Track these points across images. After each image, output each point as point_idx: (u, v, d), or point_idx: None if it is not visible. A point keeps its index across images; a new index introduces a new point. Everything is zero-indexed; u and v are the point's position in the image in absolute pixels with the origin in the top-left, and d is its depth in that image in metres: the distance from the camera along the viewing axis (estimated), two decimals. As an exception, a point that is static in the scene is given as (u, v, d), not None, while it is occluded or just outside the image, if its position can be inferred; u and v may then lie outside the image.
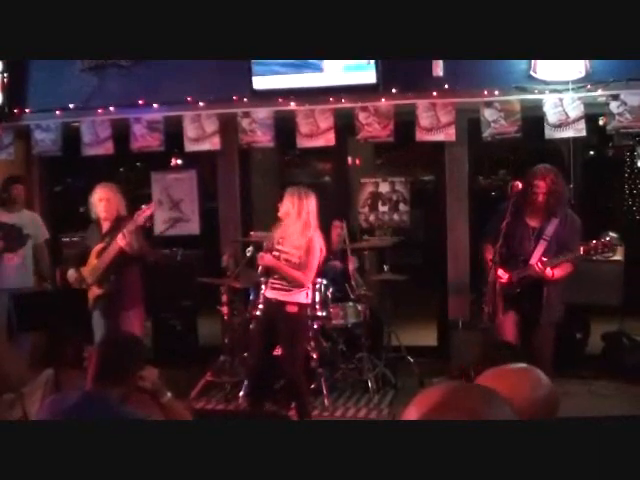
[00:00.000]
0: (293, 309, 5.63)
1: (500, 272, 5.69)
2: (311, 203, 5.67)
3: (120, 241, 5.98)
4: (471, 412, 1.49)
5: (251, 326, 6.69)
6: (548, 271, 5.51)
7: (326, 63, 7.21)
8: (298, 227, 5.61)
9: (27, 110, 8.06)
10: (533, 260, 5.59)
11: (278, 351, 6.03)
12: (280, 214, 5.73)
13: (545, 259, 5.55)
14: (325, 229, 6.46)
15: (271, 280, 5.76)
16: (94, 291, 6.27)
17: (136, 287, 6.43)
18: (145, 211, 6.08)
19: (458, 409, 1.51)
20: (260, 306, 6.27)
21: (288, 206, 5.66)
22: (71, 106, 7.88)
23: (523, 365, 1.95)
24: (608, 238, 5.75)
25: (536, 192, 5.61)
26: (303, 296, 5.72)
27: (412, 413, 1.52)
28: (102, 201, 6.33)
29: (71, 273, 6.38)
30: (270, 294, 5.75)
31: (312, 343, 6.69)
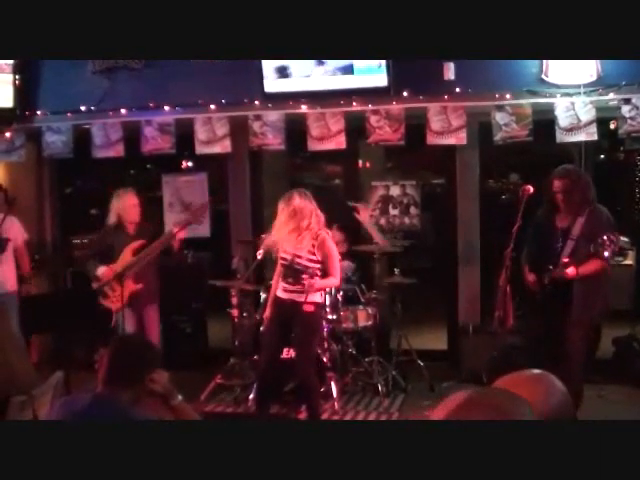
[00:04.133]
0: (310, 309, 5.63)
1: (529, 275, 5.72)
2: (295, 203, 5.58)
3: (177, 233, 6.35)
4: (496, 409, 1.55)
5: (261, 328, 6.69)
6: (570, 270, 5.45)
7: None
8: (293, 234, 5.61)
9: (38, 112, 8.08)
10: (561, 261, 5.56)
11: (288, 354, 6.02)
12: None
13: (567, 260, 5.50)
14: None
15: (283, 283, 5.73)
16: (130, 286, 6.32)
17: (157, 283, 6.77)
18: (204, 210, 6.72)
19: (484, 406, 1.56)
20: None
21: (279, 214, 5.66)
22: (82, 108, 7.91)
23: (537, 371, 1.88)
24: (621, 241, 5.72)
25: (555, 192, 5.63)
26: (318, 295, 5.76)
27: (439, 412, 1.57)
28: (135, 207, 6.66)
29: (103, 270, 6.49)
30: (285, 295, 5.72)
31: (323, 345, 6.67)
